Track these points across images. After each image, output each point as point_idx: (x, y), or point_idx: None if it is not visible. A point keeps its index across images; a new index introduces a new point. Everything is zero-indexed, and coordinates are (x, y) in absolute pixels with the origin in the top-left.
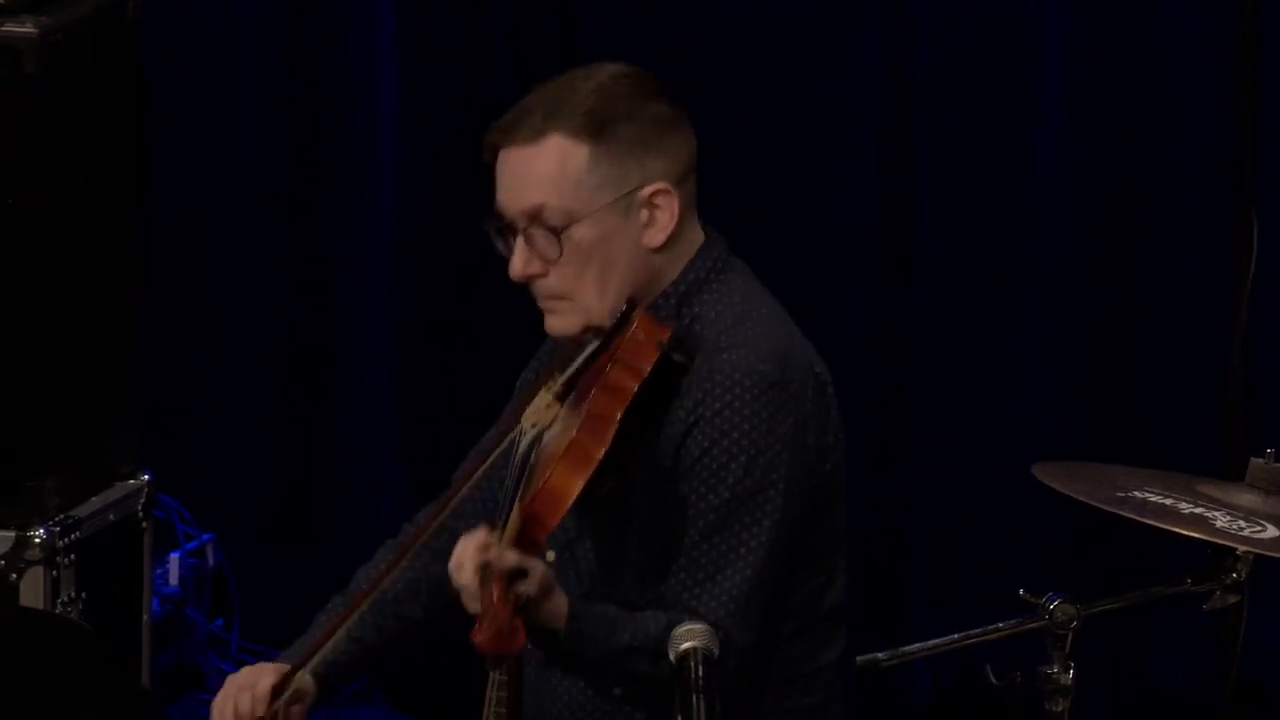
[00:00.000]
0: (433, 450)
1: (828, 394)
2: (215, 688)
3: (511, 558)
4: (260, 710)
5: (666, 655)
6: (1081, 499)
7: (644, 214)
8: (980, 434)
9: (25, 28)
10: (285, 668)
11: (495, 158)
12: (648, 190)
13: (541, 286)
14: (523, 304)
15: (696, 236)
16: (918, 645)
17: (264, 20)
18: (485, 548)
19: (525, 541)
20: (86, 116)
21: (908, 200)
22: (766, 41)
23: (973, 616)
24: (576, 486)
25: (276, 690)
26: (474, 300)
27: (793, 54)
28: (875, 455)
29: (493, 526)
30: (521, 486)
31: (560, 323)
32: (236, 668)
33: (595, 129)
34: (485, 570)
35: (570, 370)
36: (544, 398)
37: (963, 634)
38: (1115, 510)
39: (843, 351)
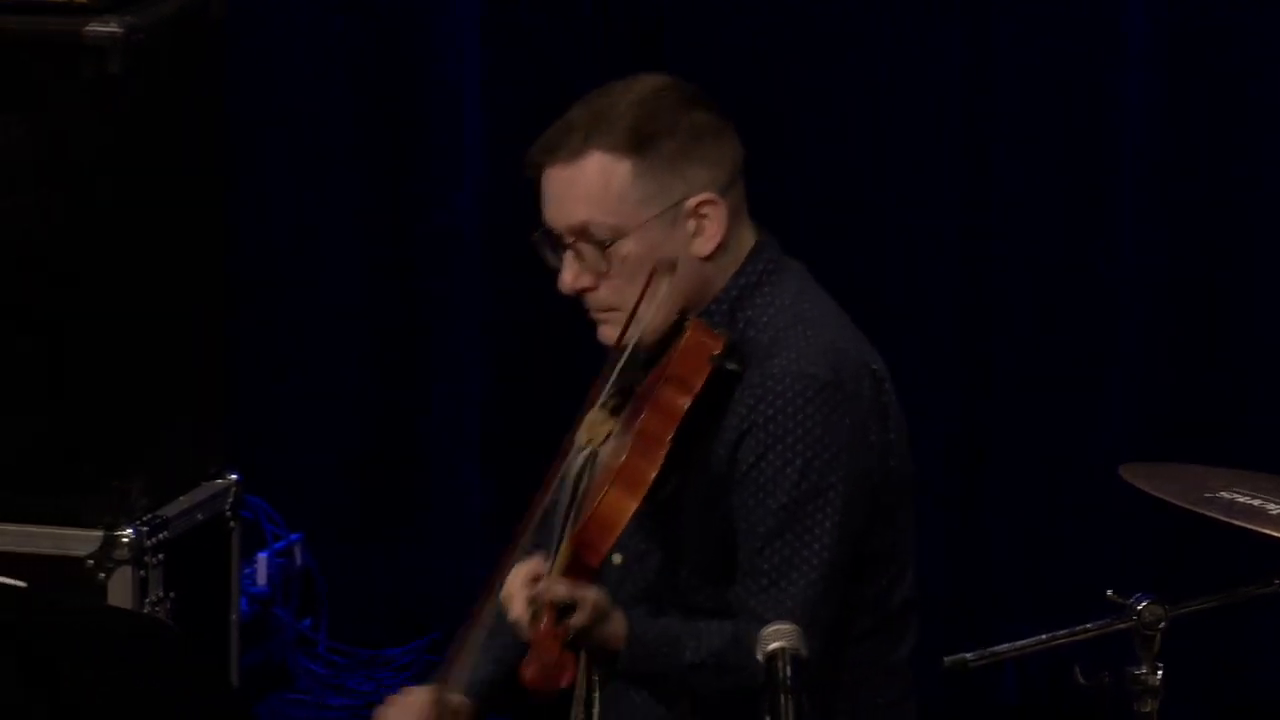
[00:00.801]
0: (518, 451)
1: (885, 389)
2: (303, 687)
3: (560, 591)
4: None
5: (731, 670)
6: (1169, 500)
7: (691, 224)
8: (1067, 435)
9: (110, 27)
10: (436, 689)
11: (539, 175)
12: (693, 201)
13: (593, 299)
14: None
15: (747, 240)
16: (1006, 645)
17: (349, 23)
18: (535, 579)
19: (579, 568)
20: (169, 115)
21: (985, 202)
22: (850, 40)
23: (1061, 617)
24: (629, 510)
25: (435, 708)
26: (558, 305)
27: (874, 53)
28: (964, 457)
29: (547, 553)
30: (574, 511)
31: (614, 333)
32: (324, 667)
33: (636, 144)
34: (535, 603)
35: (621, 380)
36: (598, 414)
37: (1051, 634)
38: (1203, 511)
39: (926, 353)
